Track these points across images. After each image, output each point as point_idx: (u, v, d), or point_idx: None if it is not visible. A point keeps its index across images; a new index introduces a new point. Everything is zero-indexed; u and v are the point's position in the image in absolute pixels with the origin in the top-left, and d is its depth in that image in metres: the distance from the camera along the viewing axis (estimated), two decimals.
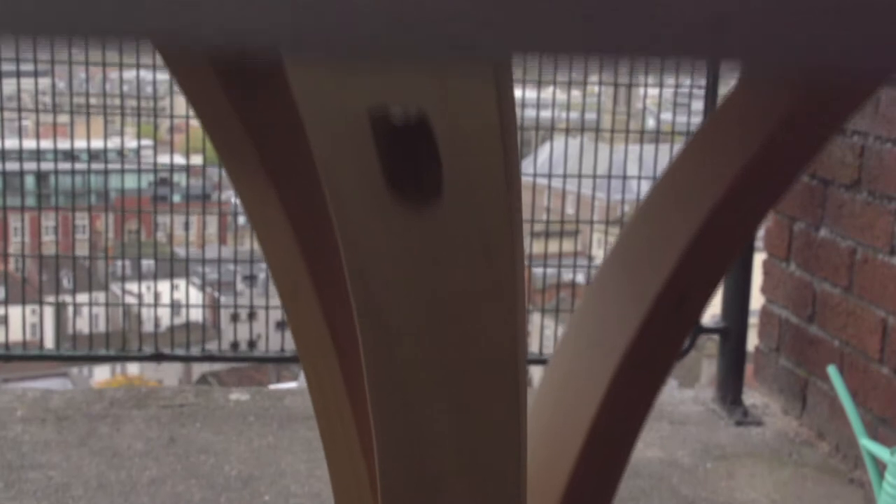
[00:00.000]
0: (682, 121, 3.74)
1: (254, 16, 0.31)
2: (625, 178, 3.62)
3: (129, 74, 3.64)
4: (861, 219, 2.74)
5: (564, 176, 3.65)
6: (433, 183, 0.50)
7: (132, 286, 4.15)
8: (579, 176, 3.51)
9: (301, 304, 0.80)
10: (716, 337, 3.24)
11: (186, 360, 3.97)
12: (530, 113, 3.84)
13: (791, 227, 3.09)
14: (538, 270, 3.84)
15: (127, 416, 2.73)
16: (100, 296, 3.52)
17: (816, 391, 3.04)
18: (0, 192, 3.20)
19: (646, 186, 3.70)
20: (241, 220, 3.85)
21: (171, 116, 3.55)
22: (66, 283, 3.65)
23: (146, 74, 3.47)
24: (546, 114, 3.94)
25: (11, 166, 3.19)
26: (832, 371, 2.37)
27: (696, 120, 3.72)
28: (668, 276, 0.70)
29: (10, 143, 3.07)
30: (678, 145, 3.60)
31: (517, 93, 2.98)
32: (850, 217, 2.80)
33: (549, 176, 3.76)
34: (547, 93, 3.78)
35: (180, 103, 3.61)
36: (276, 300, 3.53)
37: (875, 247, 2.68)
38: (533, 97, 3.89)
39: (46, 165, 3.48)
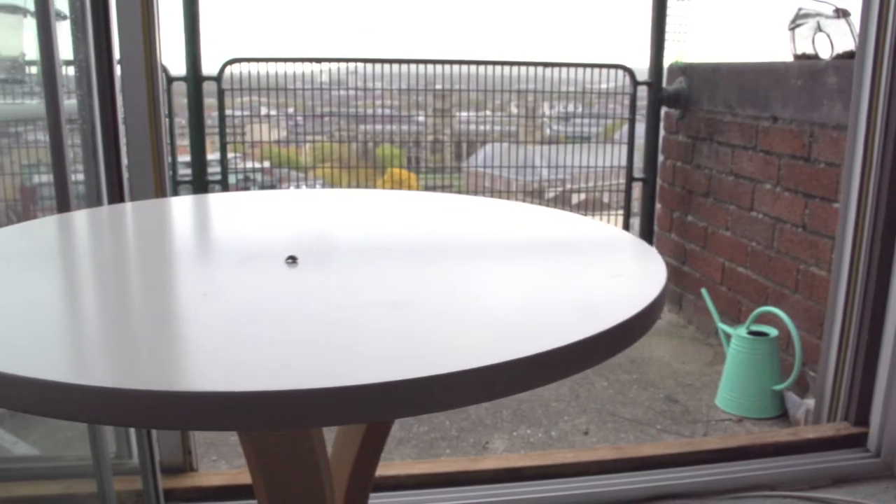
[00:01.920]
0: (569, 130, 5.37)
1: None
2: (533, 166, 5.26)
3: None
4: (710, 211, 4.22)
5: (493, 166, 5.35)
6: None
7: None
8: (503, 166, 5.24)
9: None
10: None
11: None
12: (473, 127, 5.43)
13: (671, 214, 4.65)
14: None
15: None
16: None
17: (687, 300, 4.46)
18: None
19: (546, 172, 5.53)
20: None
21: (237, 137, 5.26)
22: None
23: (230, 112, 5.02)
24: (483, 128, 5.43)
25: None
26: (704, 291, 3.83)
27: (578, 129, 5.35)
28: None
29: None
30: (568, 145, 5.48)
31: (464, 114, 5.07)
32: (704, 210, 4.28)
33: (485, 166, 5.36)
34: (483, 114, 5.36)
35: (255, 129, 5.13)
36: None
37: (717, 225, 4.14)
38: (474, 116, 5.39)
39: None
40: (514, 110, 5.38)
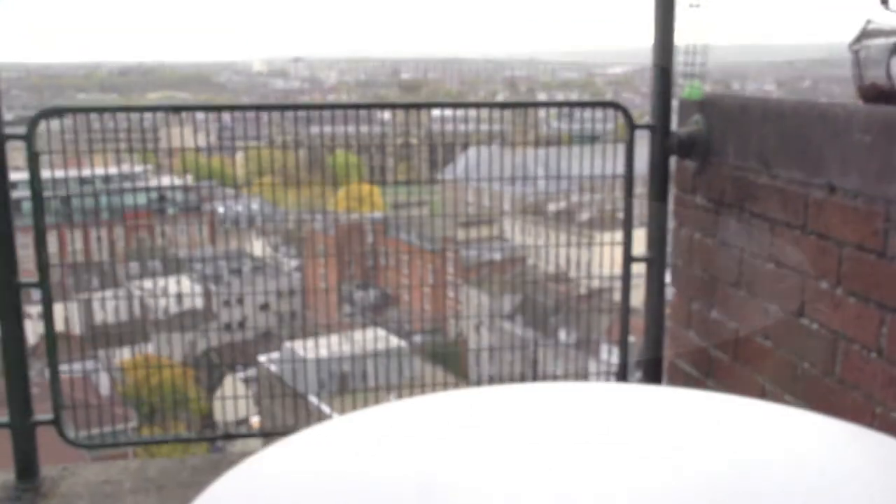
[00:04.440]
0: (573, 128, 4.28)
1: None
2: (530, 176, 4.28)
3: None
4: (742, 308, 3.06)
5: (484, 178, 4.31)
6: None
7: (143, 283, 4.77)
8: (492, 179, 4.23)
9: None
10: None
11: None
12: (451, 127, 4.41)
13: (689, 305, 3.42)
14: (465, 253, 4.63)
15: None
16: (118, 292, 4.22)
17: None
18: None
19: (544, 183, 4.43)
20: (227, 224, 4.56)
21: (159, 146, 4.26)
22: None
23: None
24: (464, 127, 4.51)
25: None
26: None
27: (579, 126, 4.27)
28: None
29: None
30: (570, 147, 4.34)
31: (435, 112, 3.86)
32: (733, 305, 3.14)
33: (468, 177, 4.40)
34: (462, 111, 4.50)
35: (173, 134, 4.27)
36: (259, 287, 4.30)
37: (753, 330, 2.99)
38: (451, 113, 4.51)
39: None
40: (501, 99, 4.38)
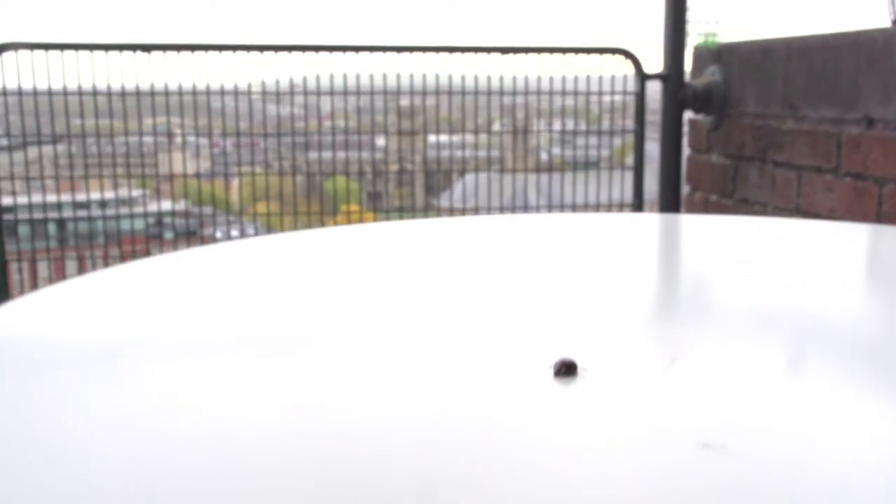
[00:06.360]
0: (568, 153, 4.44)
1: None
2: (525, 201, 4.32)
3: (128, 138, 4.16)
4: None
5: (477, 206, 4.33)
6: None
7: None
8: (490, 207, 4.24)
9: None
10: None
11: None
12: (448, 153, 4.51)
13: None
14: None
15: None
16: None
17: None
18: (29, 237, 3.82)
19: (544, 206, 4.46)
20: None
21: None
22: None
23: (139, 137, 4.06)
24: (461, 153, 4.47)
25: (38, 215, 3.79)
26: None
27: (580, 153, 4.34)
28: None
29: (37, 197, 3.66)
30: (567, 174, 4.36)
31: (432, 138, 3.82)
32: None
33: (465, 203, 4.41)
34: (459, 137, 4.45)
35: (166, 159, 4.19)
36: None
37: None
38: (448, 140, 4.55)
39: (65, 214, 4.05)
40: (499, 127, 4.42)
